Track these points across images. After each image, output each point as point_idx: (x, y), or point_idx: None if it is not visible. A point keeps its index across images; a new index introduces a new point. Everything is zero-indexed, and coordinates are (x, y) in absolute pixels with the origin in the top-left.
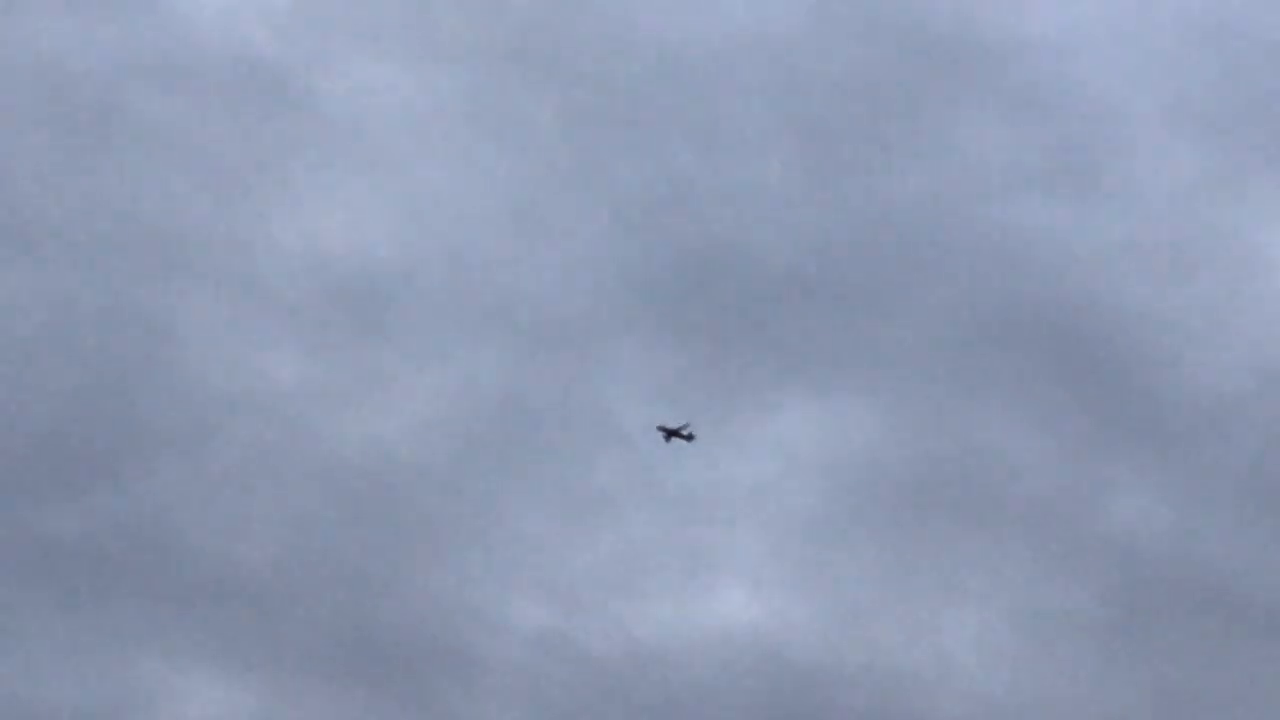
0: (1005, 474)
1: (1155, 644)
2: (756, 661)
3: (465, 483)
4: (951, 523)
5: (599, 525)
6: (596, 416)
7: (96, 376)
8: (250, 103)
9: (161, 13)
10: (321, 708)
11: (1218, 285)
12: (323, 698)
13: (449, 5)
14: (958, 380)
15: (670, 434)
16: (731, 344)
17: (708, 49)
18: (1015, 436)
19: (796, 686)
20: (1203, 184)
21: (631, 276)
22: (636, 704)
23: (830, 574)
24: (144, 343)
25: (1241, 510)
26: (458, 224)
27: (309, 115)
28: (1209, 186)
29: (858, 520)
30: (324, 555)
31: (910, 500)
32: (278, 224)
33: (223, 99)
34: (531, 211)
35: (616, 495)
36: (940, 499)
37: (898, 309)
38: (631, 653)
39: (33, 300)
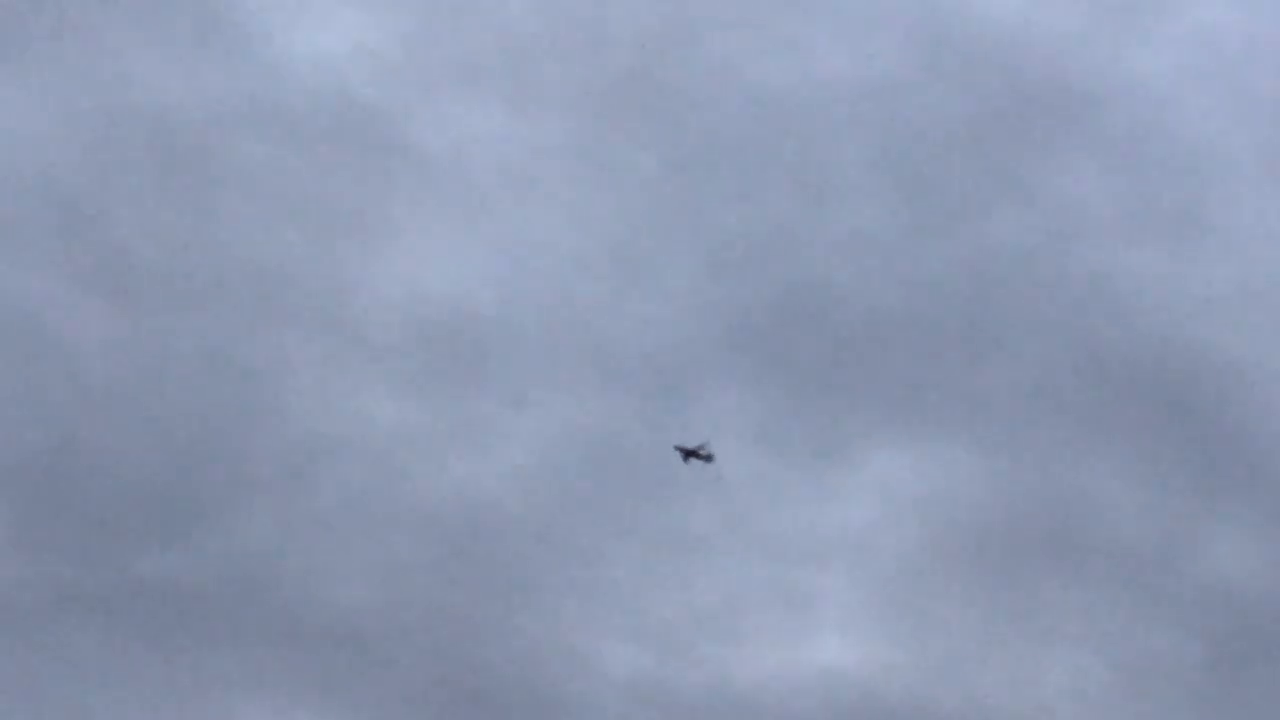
0: (1103, 519)
1: (1255, 691)
2: (853, 707)
3: (561, 527)
4: (1049, 568)
5: (694, 569)
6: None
7: (195, 421)
8: (350, 148)
9: (261, 58)
10: None
11: None
12: None
13: (550, 51)
14: (1055, 425)
15: (688, 454)
16: (828, 388)
17: (807, 94)
18: (1113, 482)
19: None
20: None
21: (729, 321)
22: None
23: (927, 619)
24: (242, 387)
25: None
26: (556, 268)
27: (409, 160)
28: None
29: (955, 565)
30: (420, 600)
31: (1008, 545)
32: (377, 269)
33: (323, 144)
34: (630, 256)
35: (712, 539)
36: (1038, 544)
37: (995, 354)
38: (726, 697)
39: (132, 344)
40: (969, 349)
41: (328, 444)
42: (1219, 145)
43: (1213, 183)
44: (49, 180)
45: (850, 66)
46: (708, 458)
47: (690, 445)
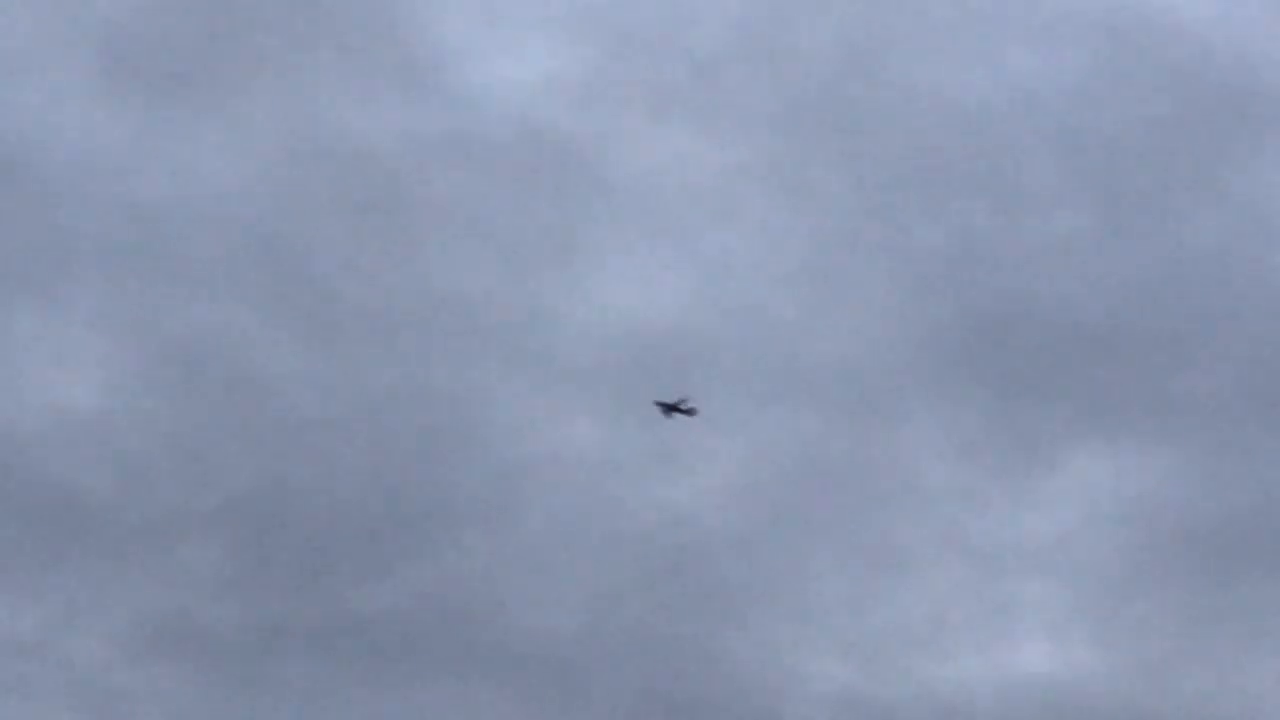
0: None
1: None
2: (1062, 713)
3: (766, 546)
4: (1254, 570)
5: (900, 583)
6: (895, 474)
7: (400, 453)
8: (545, 176)
9: (455, 91)
10: None
11: None
12: None
13: (739, 73)
14: (1256, 426)
15: (669, 409)
16: (1028, 397)
17: (998, 105)
18: None
19: None
20: None
21: (927, 333)
22: None
23: (1133, 623)
24: (446, 417)
25: None
26: (752, 289)
27: (603, 186)
28: None
29: (1159, 569)
30: (629, 623)
31: (1211, 548)
32: (575, 295)
33: (518, 173)
34: (826, 272)
35: (917, 552)
36: (1241, 547)
37: (1195, 357)
38: (935, 708)
39: (334, 379)
40: (1168, 353)
41: (532, 471)
42: None
43: None
44: (251, 220)
45: (1041, 75)
46: (689, 412)
47: (671, 400)
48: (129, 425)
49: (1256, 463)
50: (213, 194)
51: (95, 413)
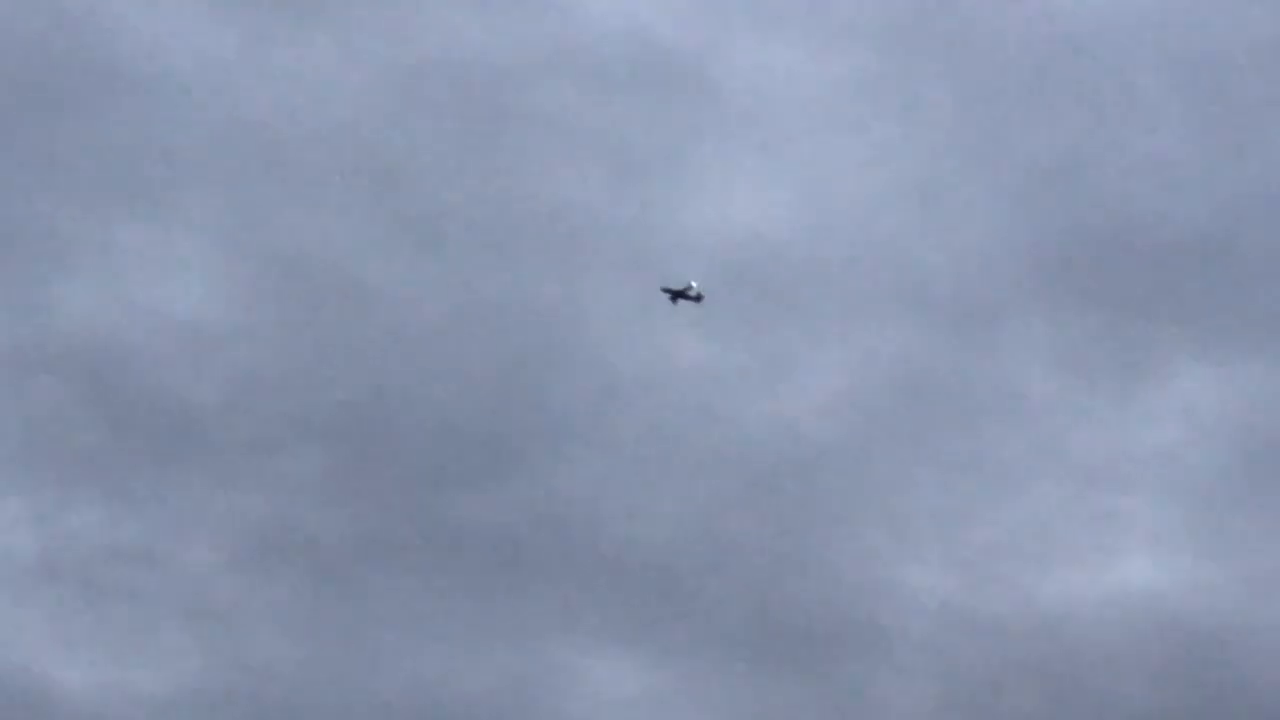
0: None
1: None
2: (1163, 628)
3: (869, 459)
4: None
5: (1003, 497)
6: (999, 389)
7: (501, 365)
8: (648, 88)
9: (560, 4)
10: (730, 685)
11: None
12: (731, 675)
13: None
14: None
15: (676, 295)
16: (1133, 311)
17: (1104, 18)
18: None
19: (1204, 653)
20: None
21: (1031, 249)
22: (1043, 673)
23: (1237, 538)
24: (547, 329)
25: None
26: (857, 203)
27: (707, 99)
28: None
29: (1264, 483)
30: (730, 535)
31: None
32: (679, 208)
33: (620, 86)
34: (930, 188)
35: (1020, 466)
36: None
37: None
38: (1037, 622)
39: (437, 291)
40: (1273, 267)
41: (634, 384)
42: None
43: None
44: (356, 132)
45: None
46: (697, 298)
47: (677, 286)
48: (235, 336)
49: None
50: (320, 106)
51: (202, 324)
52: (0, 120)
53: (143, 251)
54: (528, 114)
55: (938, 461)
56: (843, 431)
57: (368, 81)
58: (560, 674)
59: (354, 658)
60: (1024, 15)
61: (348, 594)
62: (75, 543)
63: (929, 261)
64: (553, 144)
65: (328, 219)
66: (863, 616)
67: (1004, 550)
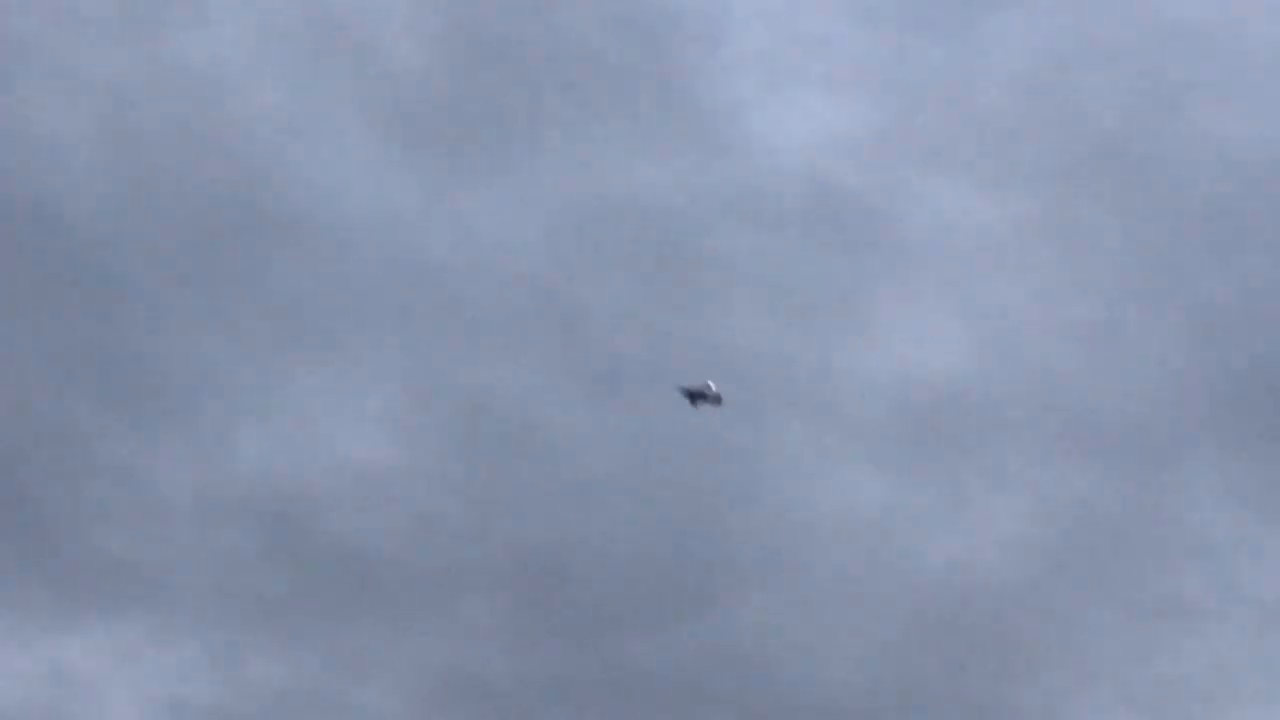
0: None
1: None
2: None
3: (1048, 600)
4: None
5: (1184, 637)
6: (1178, 528)
7: (682, 508)
8: (827, 230)
9: (737, 146)
10: None
11: None
12: None
13: (1023, 127)
14: None
15: (695, 396)
16: None
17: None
18: None
19: None
20: None
21: (1211, 386)
22: None
23: None
24: (728, 473)
25: None
26: (1034, 342)
27: (885, 240)
28: None
29: None
30: (910, 675)
31: None
32: (858, 350)
33: (799, 228)
34: (1109, 326)
35: (1201, 605)
36: None
37: None
38: None
39: (621, 438)
40: None
41: (815, 526)
42: None
43: None
44: (537, 277)
45: None
46: (716, 399)
47: (694, 386)
48: (414, 481)
49: None
50: (499, 251)
51: (382, 468)
52: (179, 268)
53: (321, 398)
54: (706, 258)
55: (1117, 602)
56: (1022, 572)
57: (546, 226)
58: None
59: None
60: (1204, 153)
61: None
62: (254, 690)
63: (1107, 401)
64: (731, 287)
65: (507, 363)
66: None
67: (1185, 689)
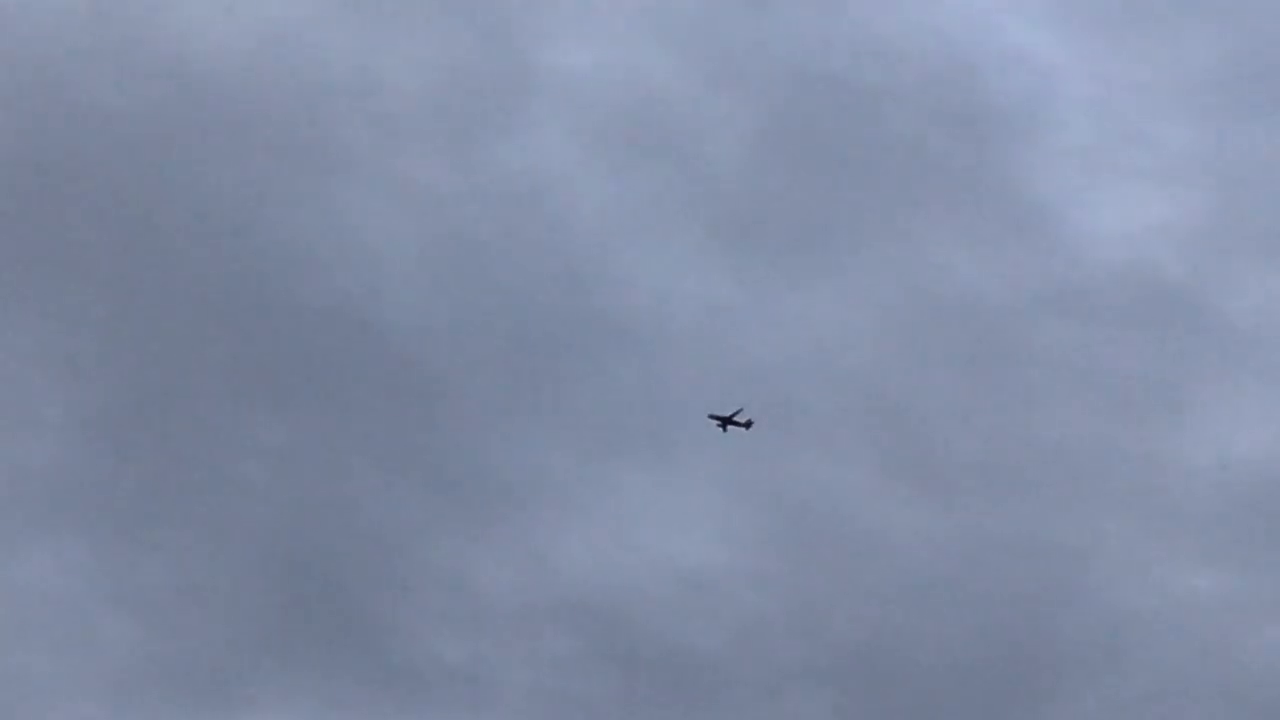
0: None
1: None
2: None
3: None
4: None
5: None
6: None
7: (1010, 602)
8: (1150, 322)
9: (1065, 240)
10: None
11: None
12: None
13: None
14: None
15: (725, 422)
16: None
17: None
18: None
19: None
20: None
21: None
22: None
23: None
24: (1057, 568)
25: None
26: None
27: (1211, 329)
28: None
29: None
30: None
31: None
32: (1186, 439)
33: (1124, 320)
34: None
35: None
36: None
37: None
38: None
39: (946, 532)
40: None
41: (1144, 619)
42: None
43: None
44: (864, 375)
45: None
46: (746, 424)
47: (725, 414)
48: (742, 582)
49: None
50: (827, 350)
51: (708, 570)
52: (505, 373)
53: (649, 500)
54: (1032, 352)
55: None
56: None
57: (873, 324)
58: None
59: None
60: None
61: None
62: None
63: None
64: (1058, 380)
65: (836, 463)
66: None
67: None
